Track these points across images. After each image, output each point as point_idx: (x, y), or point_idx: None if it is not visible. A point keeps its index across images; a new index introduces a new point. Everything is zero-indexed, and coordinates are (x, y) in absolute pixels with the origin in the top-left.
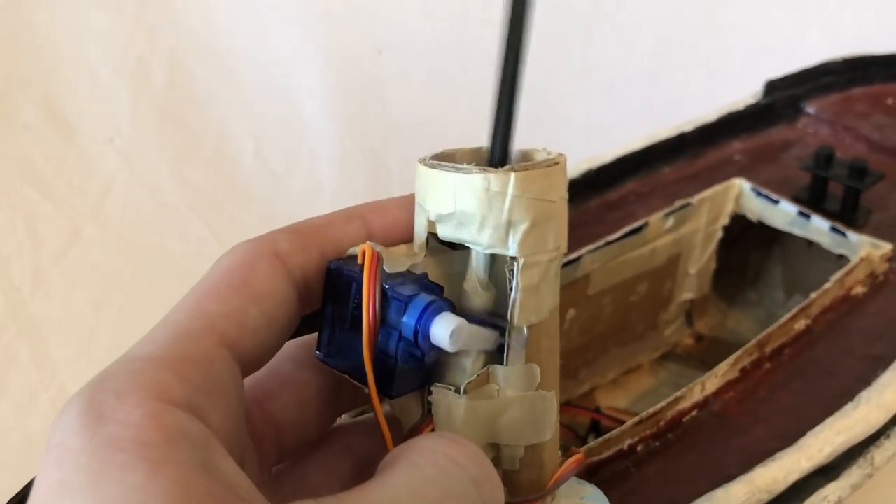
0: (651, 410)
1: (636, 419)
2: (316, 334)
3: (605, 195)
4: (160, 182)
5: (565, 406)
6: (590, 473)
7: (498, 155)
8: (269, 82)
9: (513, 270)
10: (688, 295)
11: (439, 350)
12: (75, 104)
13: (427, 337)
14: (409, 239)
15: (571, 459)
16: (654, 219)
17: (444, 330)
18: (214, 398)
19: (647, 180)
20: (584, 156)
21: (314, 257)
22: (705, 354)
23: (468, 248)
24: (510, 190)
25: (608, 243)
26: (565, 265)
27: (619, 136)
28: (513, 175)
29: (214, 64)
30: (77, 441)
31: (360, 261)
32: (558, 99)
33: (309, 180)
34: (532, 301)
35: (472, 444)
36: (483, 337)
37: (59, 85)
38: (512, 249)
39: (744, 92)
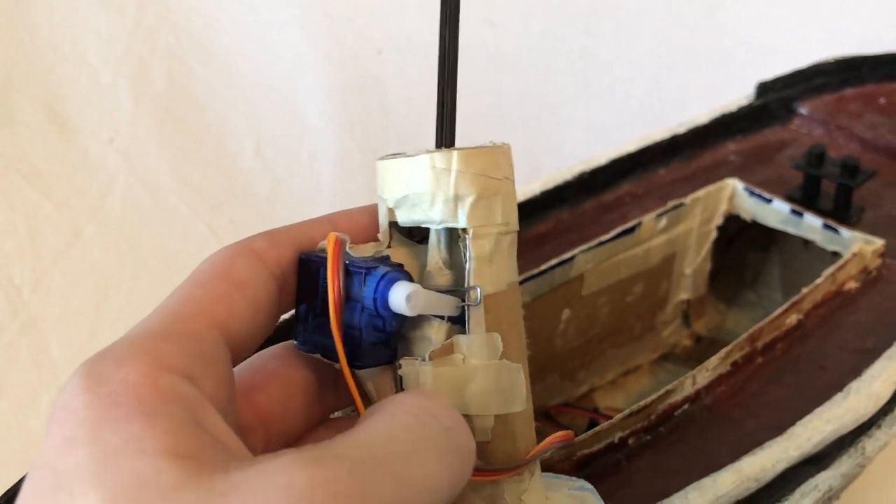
0: (642, 403)
1: (626, 412)
2: None
3: (599, 197)
4: (160, 182)
5: (564, 407)
6: (581, 466)
7: (446, 139)
8: (269, 82)
9: (465, 242)
10: (684, 295)
11: (402, 319)
12: (75, 104)
13: (386, 305)
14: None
15: (557, 434)
16: (647, 219)
17: (400, 295)
18: (207, 369)
19: (642, 182)
20: (585, 156)
21: (288, 252)
22: (704, 355)
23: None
24: (454, 166)
25: (601, 243)
26: (559, 265)
27: (619, 136)
28: (455, 152)
29: (214, 64)
30: (78, 401)
31: (326, 249)
32: (558, 99)
33: (309, 180)
34: (486, 270)
35: (443, 398)
36: (442, 302)
37: (59, 85)
38: (461, 221)
39: (744, 92)
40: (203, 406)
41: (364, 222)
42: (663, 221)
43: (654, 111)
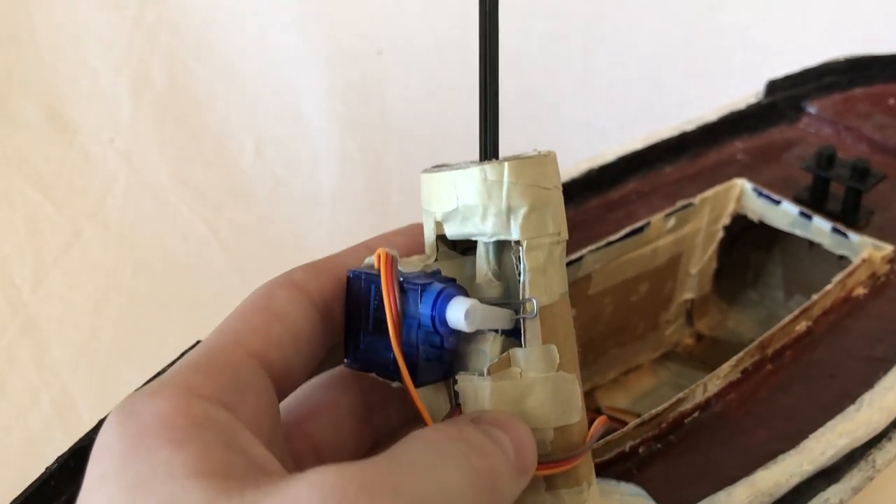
0: (653, 412)
1: (638, 420)
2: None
3: (606, 195)
4: (160, 182)
5: None
6: None
7: (490, 150)
8: (269, 82)
9: (518, 255)
10: (688, 295)
11: (458, 334)
12: (75, 104)
13: (444, 322)
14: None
15: (597, 421)
16: (656, 219)
17: (458, 311)
18: (244, 398)
19: (649, 180)
20: (585, 156)
21: (329, 281)
22: (706, 354)
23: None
24: (506, 178)
25: (610, 243)
26: (567, 265)
27: (619, 136)
28: (507, 164)
29: (214, 64)
30: (111, 436)
31: (375, 266)
32: (558, 99)
33: (309, 180)
34: (541, 282)
35: (467, 427)
36: (498, 315)
37: (60, 85)
38: (515, 233)
39: (744, 92)
40: (237, 429)
41: (401, 243)
42: (671, 221)
43: (654, 111)
